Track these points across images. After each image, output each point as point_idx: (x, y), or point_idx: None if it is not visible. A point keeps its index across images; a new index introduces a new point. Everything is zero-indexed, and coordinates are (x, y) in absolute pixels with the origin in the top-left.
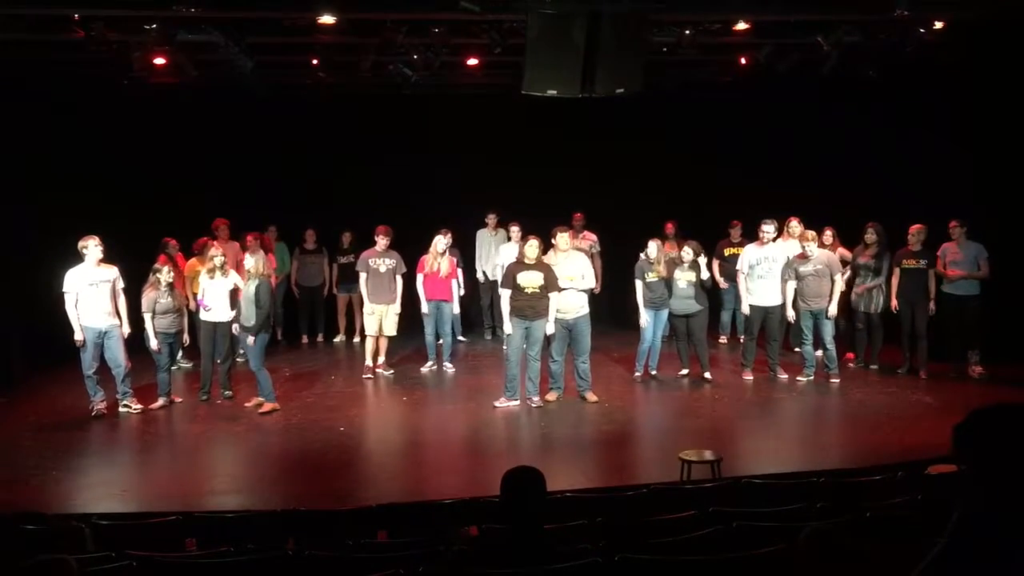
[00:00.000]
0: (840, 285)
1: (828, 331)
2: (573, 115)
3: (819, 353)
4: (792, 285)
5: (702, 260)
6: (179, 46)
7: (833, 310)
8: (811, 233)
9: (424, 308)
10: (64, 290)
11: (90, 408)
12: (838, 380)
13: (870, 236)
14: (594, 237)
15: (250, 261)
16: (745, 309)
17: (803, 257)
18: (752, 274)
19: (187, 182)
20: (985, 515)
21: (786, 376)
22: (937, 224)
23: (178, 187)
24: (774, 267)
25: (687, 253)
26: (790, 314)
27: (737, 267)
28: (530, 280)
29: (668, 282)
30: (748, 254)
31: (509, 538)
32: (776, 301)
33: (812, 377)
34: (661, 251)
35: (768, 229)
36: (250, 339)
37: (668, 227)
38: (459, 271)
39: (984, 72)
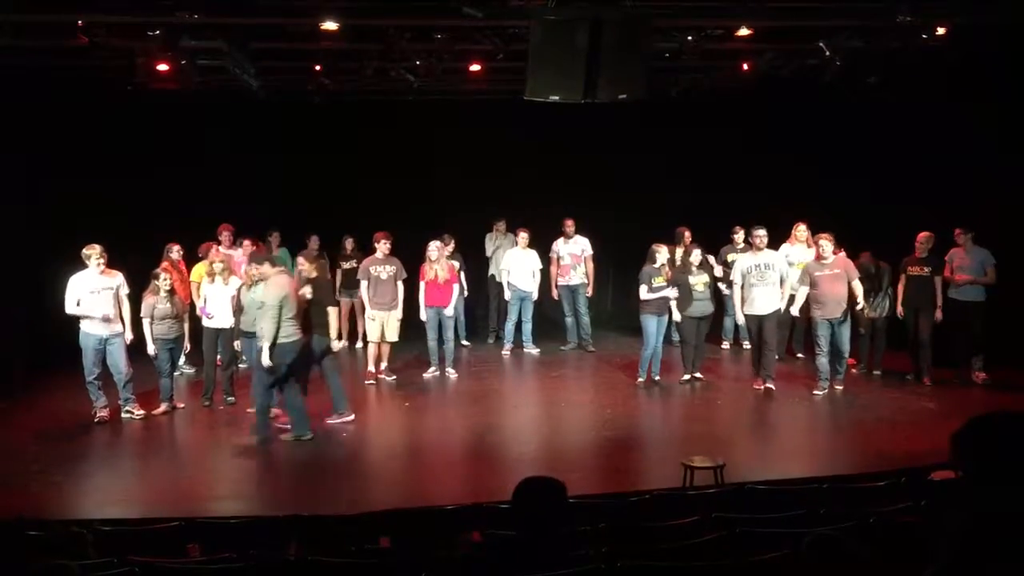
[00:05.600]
0: (858, 289)
1: (845, 339)
2: (576, 121)
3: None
4: (804, 291)
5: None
6: (182, 52)
7: (871, 311)
8: (827, 235)
9: (423, 315)
10: (66, 297)
11: (92, 414)
12: (841, 387)
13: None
14: (586, 241)
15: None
16: (740, 319)
17: (819, 259)
18: (745, 283)
19: (190, 187)
20: (984, 521)
21: (773, 387)
22: (940, 230)
23: (181, 192)
24: (767, 274)
25: (695, 257)
26: (794, 310)
27: (731, 277)
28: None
29: (680, 287)
30: (741, 263)
31: (514, 544)
32: (770, 309)
33: (827, 391)
34: (667, 256)
35: (761, 234)
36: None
37: (684, 233)
38: (461, 275)
39: (987, 77)
